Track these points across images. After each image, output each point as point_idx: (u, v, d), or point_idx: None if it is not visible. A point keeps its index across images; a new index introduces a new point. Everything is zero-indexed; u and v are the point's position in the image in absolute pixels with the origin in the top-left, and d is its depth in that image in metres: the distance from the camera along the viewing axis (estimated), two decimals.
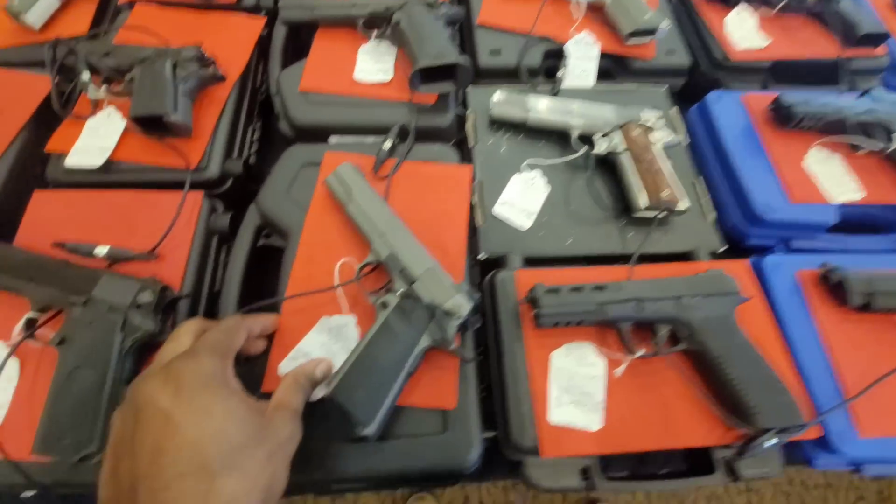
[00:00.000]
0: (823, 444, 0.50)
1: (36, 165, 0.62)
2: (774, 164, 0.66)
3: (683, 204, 0.60)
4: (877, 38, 0.78)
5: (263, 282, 0.60)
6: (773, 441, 0.47)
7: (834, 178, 0.65)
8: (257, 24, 0.75)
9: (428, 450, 0.47)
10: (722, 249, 0.62)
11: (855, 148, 0.67)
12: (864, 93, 0.70)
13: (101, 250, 0.51)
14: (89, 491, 0.37)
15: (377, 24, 0.71)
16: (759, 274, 0.59)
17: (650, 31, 0.75)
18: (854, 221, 0.65)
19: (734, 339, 0.50)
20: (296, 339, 0.50)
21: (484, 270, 0.60)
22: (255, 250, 0.60)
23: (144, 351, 0.48)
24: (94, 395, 0.43)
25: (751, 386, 0.48)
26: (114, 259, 0.51)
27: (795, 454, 0.53)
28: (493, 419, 0.51)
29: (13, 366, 0.48)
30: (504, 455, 0.50)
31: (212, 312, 0.56)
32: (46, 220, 0.56)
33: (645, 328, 0.53)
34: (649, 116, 0.66)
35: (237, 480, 0.31)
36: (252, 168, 0.67)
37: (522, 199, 0.63)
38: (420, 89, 0.66)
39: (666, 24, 0.74)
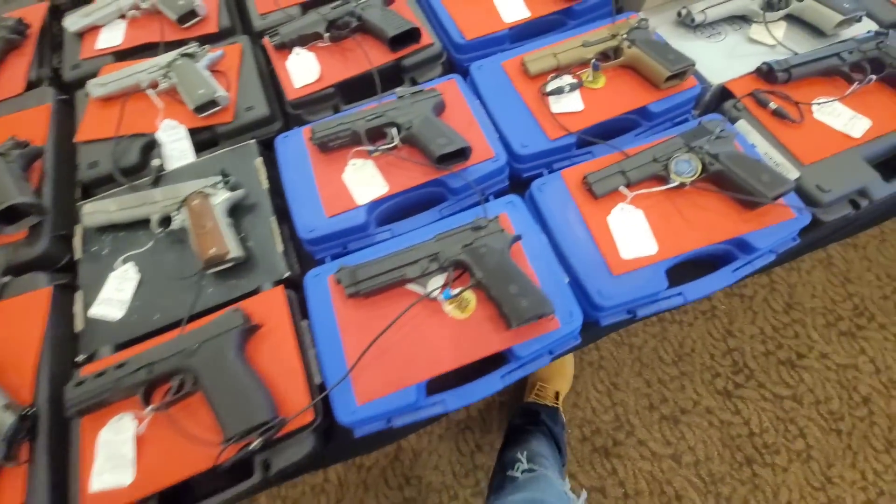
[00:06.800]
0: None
1: None
2: None
3: (235, 253, 0.62)
4: (410, 36, 0.81)
5: None
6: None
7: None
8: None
9: None
10: (286, 276, 0.63)
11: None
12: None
13: None
14: None
15: None
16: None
17: (214, 103, 0.77)
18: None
19: (226, 365, 0.54)
20: None
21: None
22: None
23: None
24: None
25: (223, 403, 0.52)
26: None
27: None
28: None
29: None
30: None
31: None
32: None
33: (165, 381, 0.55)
34: (205, 183, 0.66)
35: None
36: None
37: (118, 292, 0.64)
38: (4, 231, 0.65)
39: (223, 94, 0.77)
